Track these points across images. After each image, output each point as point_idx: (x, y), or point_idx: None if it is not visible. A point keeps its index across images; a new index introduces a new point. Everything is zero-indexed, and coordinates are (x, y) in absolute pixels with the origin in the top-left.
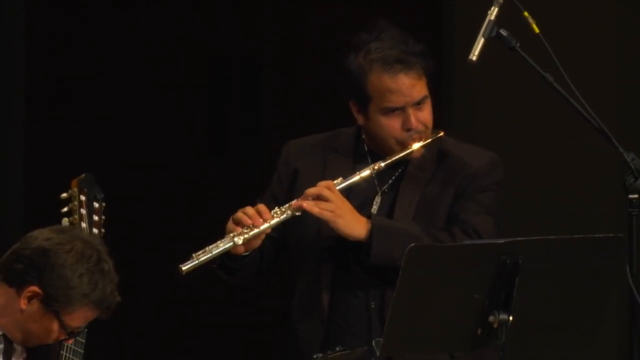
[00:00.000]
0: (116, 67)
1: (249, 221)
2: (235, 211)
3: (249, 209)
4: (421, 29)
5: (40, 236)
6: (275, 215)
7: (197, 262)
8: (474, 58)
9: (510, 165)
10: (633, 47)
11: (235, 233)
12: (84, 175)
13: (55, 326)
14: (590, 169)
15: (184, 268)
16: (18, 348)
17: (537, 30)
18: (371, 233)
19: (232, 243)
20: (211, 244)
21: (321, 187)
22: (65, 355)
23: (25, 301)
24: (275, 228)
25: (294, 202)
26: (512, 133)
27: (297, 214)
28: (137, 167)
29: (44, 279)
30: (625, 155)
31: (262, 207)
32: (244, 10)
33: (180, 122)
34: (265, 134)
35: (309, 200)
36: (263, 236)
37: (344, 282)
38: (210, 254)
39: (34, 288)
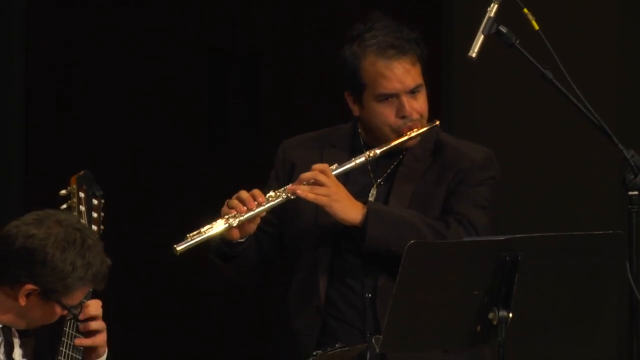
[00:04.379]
0: (116, 63)
1: (243, 209)
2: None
3: (243, 193)
4: (421, 26)
5: (20, 234)
6: (270, 199)
7: (191, 242)
8: (474, 55)
9: (510, 162)
10: (633, 44)
11: (229, 215)
12: (83, 172)
13: (57, 309)
14: (590, 165)
15: (178, 248)
16: (16, 341)
17: (536, 27)
18: (366, 217)
19: (227, 225)
20: (205, 226)
21: (316, 172)
22: (65, 352)
23: (24, 298)
24: (272, 223)
25: (289, 186)
26: (513, 130)
27: (292, 197)
28: (137, 163)
29: (37, 276)
30: (624, 152)
31: (256, 191)
32: (244, 5)
33: (180, 117)
34: (264, 129)
35: (303, 185)
36: (258, 220)
37: (341, 272)
38: (205, 235)
39: (30, 286)
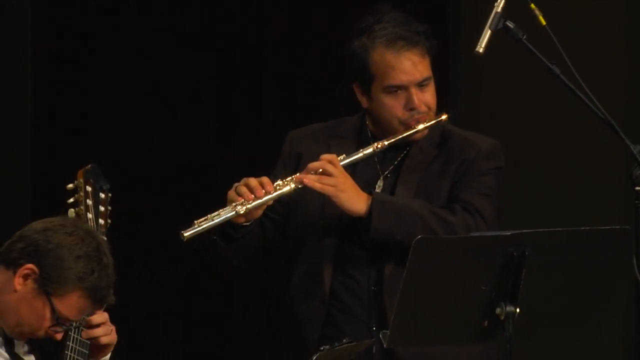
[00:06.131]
0: (123, 57)
1: (251, 196)
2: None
3: (252, 181)
4: (428, 21)
5: (45, 220)
6: (277, 187)
7: (199, 228)
8: (481, 50)
9: (516, 157)
10: None
11: (237, 202)
12: (90, 165)
13: (46, 312)
14: (597, 160)
15: (185, 234)
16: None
17: (543, 22)
18: (371, 207)
19: (234, 212)
20: (213, 212)
21: (324, 162)
22: (70, 355)
23: (20, 280)
24: (277, 210)
25: (296, 175)
26: (519, 125)
27: (299, 186)
28: (144, 157)
29: (41, 257)
30: (632, 147)
31: (264, 179)
32: (252, 1)
33: (187, 112)
34: (271, 124)
35: (311, 174)
36: (264, 207)
37: (346, 263)
38: (212, 222)
39: (30, 266)
